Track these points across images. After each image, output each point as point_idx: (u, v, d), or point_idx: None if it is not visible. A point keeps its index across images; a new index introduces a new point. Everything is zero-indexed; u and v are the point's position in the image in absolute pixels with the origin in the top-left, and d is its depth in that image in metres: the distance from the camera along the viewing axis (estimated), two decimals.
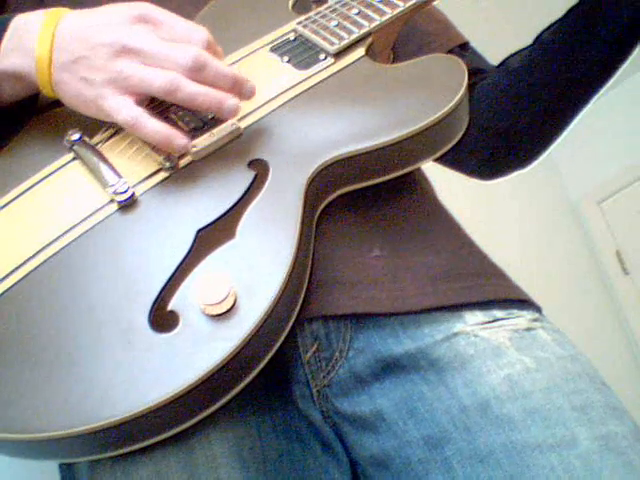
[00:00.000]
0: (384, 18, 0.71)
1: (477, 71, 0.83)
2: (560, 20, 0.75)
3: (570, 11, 0.74)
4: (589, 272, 3.02)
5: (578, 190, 3.18)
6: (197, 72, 0.59)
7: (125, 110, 0.59)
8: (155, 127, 0.59)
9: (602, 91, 0.77)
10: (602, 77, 0.75)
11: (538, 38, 0.77)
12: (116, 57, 0.59)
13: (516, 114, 0.80)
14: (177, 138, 0.60)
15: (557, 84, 0.76)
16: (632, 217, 3.02)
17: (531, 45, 0.78)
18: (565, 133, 0.81)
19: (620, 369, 2.78)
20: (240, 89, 0.62)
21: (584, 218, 3.12)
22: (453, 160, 0.84)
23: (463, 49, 0.86)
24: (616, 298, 2.97)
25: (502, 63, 0.82)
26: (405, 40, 0.81)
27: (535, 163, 0.85)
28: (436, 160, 0.71)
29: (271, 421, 0.62)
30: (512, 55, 0.81)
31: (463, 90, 0.64)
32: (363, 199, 0.66)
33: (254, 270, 0.55)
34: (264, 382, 0.61)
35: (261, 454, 0.59)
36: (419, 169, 0.77)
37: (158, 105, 0.64)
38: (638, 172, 3.04)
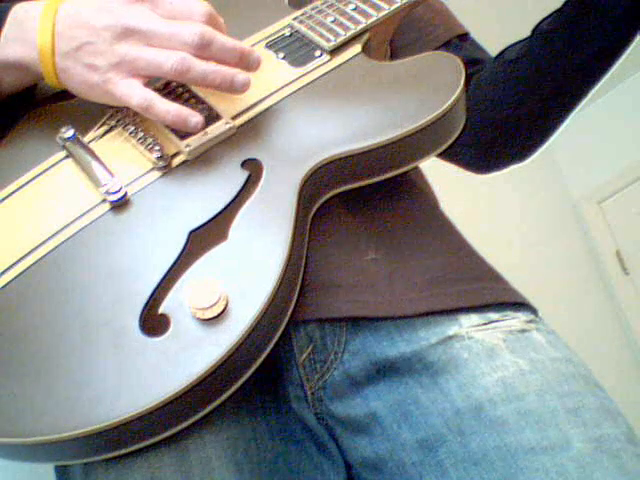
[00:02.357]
0: (381, 14, 0.70)
1: (475, 62, 0.82)
2: (558, 9, 0.74)
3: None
4: (589, 272, 3.01)
5: (578, 190, 3.17)
6: (204, 49, 0.59)
7: (137, 93, 0.59)
8: (169, 107, 0.59)
9: (600, 83, 0.75)
10: (601, 66, 0.74)
11: (536, 28, 0.76)
12: (119, 40, 0.59)
13: (514, 104, 0.78)
14: (191, 115, 0.60)
15: (556, 74, 0.75)
16: (632, 217, 3.01)
17: (529, 36, 0.77)
18: (563, 126, 0.80)
19: (620, 369, 2.78)
20: (247, 62, 0.62)
21: (584, 218, 3.12)
22: (449, 152, 0.82)
23: (462, 40, 0.85)
24: (616, 298, 2.97)
25: (500, 54, 0.81)
26: (403, 31, 0.80)
27: (532, 157, 0.83)
28: None
29: (266, 423, 0.62)
30: (510, 46, 0.79)
31: (460, 89, 0.63)
32: (358, 200, 0.66)
33: (246, 273, 0.54)
34: (259, 384, 0.61)
35: (256, 456, 0.59)
36: (416, 168, 0.76)
37: None
38: (638, 172, 3.04)
